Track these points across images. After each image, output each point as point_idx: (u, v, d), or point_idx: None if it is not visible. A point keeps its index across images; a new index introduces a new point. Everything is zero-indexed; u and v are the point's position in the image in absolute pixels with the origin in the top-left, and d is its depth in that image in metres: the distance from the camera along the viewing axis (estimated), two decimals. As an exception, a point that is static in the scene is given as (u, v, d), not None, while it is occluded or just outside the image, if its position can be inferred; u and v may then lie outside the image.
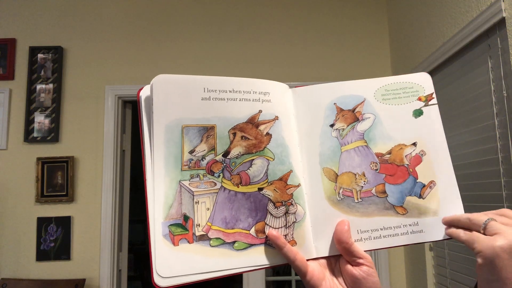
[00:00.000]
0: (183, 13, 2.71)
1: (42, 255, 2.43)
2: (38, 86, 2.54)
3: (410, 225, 0.65)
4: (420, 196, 0.66)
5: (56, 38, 2.62)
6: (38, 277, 2.40)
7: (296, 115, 0.69)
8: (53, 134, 2.50)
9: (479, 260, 0.53)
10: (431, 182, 0.67)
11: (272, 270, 3.08)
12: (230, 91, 0.64)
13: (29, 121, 2.51)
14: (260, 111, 0.64)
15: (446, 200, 0.67)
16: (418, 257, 2.32)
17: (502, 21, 1.50)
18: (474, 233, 0.57)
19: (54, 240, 2.44)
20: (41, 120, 2.51)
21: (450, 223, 0.63)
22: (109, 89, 2.59)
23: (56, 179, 2.47)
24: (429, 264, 2.20)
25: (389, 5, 2.74)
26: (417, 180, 0.67)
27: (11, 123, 2.53)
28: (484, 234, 0.55)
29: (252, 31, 2.72)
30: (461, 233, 0.59)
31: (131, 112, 2.80)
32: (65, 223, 2.46)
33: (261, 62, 2.68)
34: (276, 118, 0.65)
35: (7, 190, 2.47)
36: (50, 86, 2.55)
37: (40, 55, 2.57)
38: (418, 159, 0.68)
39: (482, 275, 0.53)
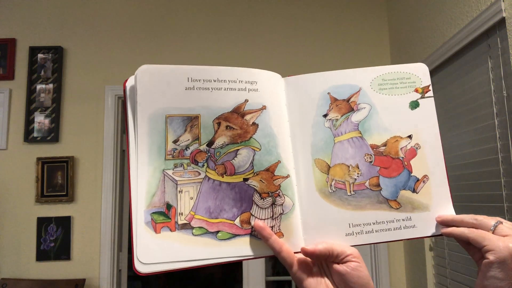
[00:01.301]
0: (182, 13, 2.71)
1: (42, 255, 2.42)
2: (38, 86, 2.54)
3: (403, 220, 0.64)
4: (414, 191, 0.65)
5: (56, 38, 2.62)
6: (38, 277, 2.39)
7: (287, 104, 0.67)
8: (53, 134, 2.50)
9: (491, 258, 0.54)
10: (425, 176, 0.66)
11: (272, 270, 3.07)
12: (214, 81, 0.63)
13: (29, 121, 2.51)
14: (246, 101, 0.63)
15: (438, 195, 0.65)
16: (418, 257, 2.31)
17: (502, 21, 1.49)
18: (483, 231, 0.57)
19: (54, 240, 2.43)
20: (41, 120, 2.51)
21: (450, 223, 0.62)
22: (109, 89, 2.59)
23: (56, 179, 2.47)
24: (429, 264, 2.19)
25: (389, 5, 2.73)
26: (411, 174, 0.66)
27: (11, 123, 2.52)
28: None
29: (252, 35, 2.72)
30: (466, 231, 0.58)
31: (131, 112, 2.80)
32: (65, 223, 2.45)
33: (264, 66, 2.66)
34: (264, 107, 0.64)
35: (7, 190, 2.47)
36: (50, 86, 2.54)
37: (40, 55, 2.56)
38: (413, 152, 0.66)
39: (490, 273, 0.54)
